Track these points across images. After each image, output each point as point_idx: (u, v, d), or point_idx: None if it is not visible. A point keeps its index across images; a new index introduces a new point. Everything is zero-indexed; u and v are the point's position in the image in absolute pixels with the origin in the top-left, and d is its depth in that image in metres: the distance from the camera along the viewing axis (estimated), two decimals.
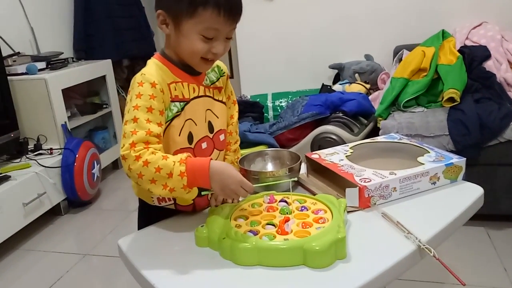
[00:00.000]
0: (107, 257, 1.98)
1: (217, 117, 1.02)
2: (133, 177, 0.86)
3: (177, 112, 0.93)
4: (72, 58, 2.94)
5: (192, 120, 0.96)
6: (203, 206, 1.04)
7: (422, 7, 2.71)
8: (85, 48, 3.14)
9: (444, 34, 2.34)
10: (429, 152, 1.14)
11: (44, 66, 2.57)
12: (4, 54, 2.34)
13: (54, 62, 2.64)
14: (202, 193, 0.91)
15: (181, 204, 1.01)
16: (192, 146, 0.96)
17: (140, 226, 1.05)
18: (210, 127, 1.00)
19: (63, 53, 2.84)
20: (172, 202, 1.01)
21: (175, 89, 0.93)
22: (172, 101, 0.93)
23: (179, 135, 0.94)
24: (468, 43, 2.37)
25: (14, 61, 2.45)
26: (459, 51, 2.21)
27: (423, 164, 1.07)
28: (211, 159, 0.87)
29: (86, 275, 1.88)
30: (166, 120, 0.92)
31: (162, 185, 0.84)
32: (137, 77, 0.91)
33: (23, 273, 1.91)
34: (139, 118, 0.86)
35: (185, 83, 0.95)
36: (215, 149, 1.02)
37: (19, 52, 2.56)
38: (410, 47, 2.43)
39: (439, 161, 1.08)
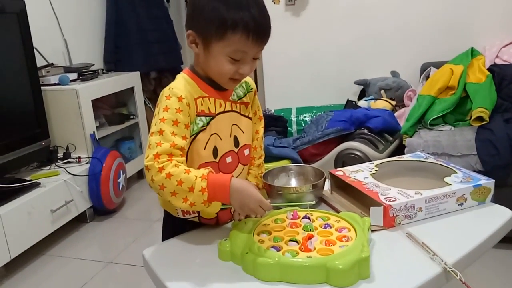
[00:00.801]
0: (130, 265, 2.01)
1: (243, 132, 1.03)
2: (155, 188, 0.88)
3: (202, 126, 0.95)
4: (102, 69, 3.03)
5: (218, 135, 0.97)
6: (226, 220, 1.05)
7: (451, 24, 2.68)
8: (115, 60, 3.23)
9: (473, 52, 2.30)
10: (456, 173, 1.12)
11: (76, 77, 2.65)
12: (38, 65, 2.43)
13: (85, 74, 2.72)
14: (221, 206, 0.92)
15: (204, 217, 1.02)
16: (217, 160, 0.98)
17: (164, 237, 1.07)
18: (236, 142, 1.02)
19: (93, 64, 2.93)
20: (196, 215, 1.02)
21: (202, 104, 0.95)
22: (198, 115, 0.95)
23: (204, 149, 0.96)
24: (498, 61, 2.33)
25: (48, 72, 2.55)
26: (488, 69, 2.18)
27: (450, 184, 1.06)
28: (232, 176, 0.88)
29: (108, 283, 1.90)
30: (192, 134, 0.94)
31: (183, 198, 0.86)
32: (165, 91, 0.93)
33: (49, 278, 1.96)
34: (165, 130, 0.88)
35: (211, 98, 0.97)
36: (239, 164, 1.03)
37: (52, 63, 2.66)
38: (437, 65, 2.40)
39: (467, 182, 1.06)
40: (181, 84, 0.95)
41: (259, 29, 0.89)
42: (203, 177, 0.86)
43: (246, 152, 1.05)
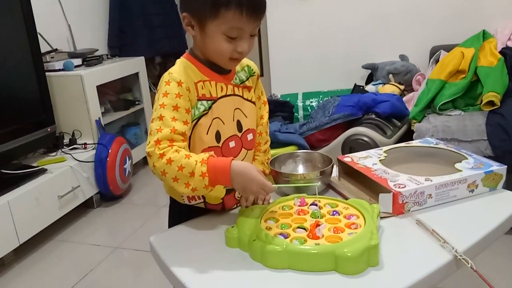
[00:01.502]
0: (137, 251, 2.02)
1: (246, 116, 1.02)
2: (158, 174, 0.87)
3: (204, 110, 0.94)
4: (107, 55, 3.00)
5: (220, 119, 0.96)
6: (232, 205, 1.05)
7: (461, 6, 2.62)
8: (119, 45, 3.20)
9: (484, 35, 2.26)
10: (467, 159, 1.10)
11: (80, 63, 2.64)
12: (42, 50, 2.41)
13: (89, 59, 2.70)
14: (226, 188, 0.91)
15: (210, 203, 1.02)
16: (220, 145, 0.97)
17: (171, 224, 1.07)
18: (239, 126, 1.00)
19: (98, 50, 2.90)
20: (202, 200, 1.01)
21: (202, 88, 0.94)
22: (199, 99, 0.93)
23: (207, 134, 0.94)
24: (510, 44, 2.28)
25: (52, 57, 2.53)
26: (500, 52, 2.13)
27: (461, 170, 1.03)
28: (233, 159, 0.87)
29: (116, 268, 1.92)
30: (193, 118, 0.93)
31: (185, 183, 0.86)
32: (165, 76, 0.92)
33: (57, 263, 1.98)
34: (165, 116, 0.88)
35: (212, 81, 0.96)
36: (243, 148, 1.02)
37: (56, 49, 2.64)
38: (447, 48, 2.36)
39: (478, 168, 1.04)
40: (180, 69, 0.94)
41: (253, 4, 0.87)
42: (203, 161, 0.85)
43: (250, 136, 1.03)
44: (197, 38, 0.94)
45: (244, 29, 0.89)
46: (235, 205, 1.05)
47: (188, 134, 0.91)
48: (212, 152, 0.88)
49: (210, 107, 0.94)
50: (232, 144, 0.98)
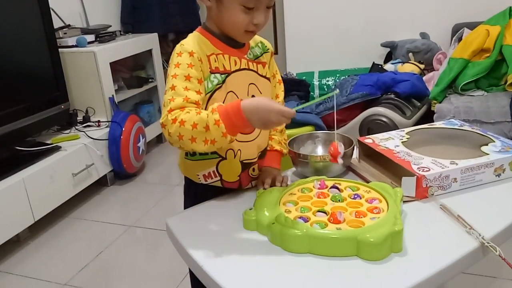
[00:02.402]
0: (151, 229, 2.02)
1: (261, 92, 0.99)
2: (175, 141, 0.84)
3: (218, 84, 0.92)
4: (120, 31, 2.97)
5: (234, 93, 0.94)
6: (248, 183, 1.03)
7: None
8: (132, 22, 3.16)
9: (511, 12, 2.16)
10: (494, 141, 1.06)
11: (93, 39, 2.61)
12: (55, 26, 2.38)
13: (102, 35, 2.67)
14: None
15: (227, 180, 1.00)
16: None
17: (187, 205, 1.05)
18: None
19: (111, 26, 2.87)
20: (218, 178, 0.99)
21: (215, 61, 0.92)
22: (212, 72, 0.91)
23: None
24: None
25: (65, 33, 2.50)
26: None
27: (488, 154, 0.99)
28: (241, 100, 0.83)
29: (130, 246, 1.93)
30: (207, 91, 0.91)
31: (203, 140, 0.82)
32: (177, 48, 0.91)
33: (72, 241, 1.99)
34: (177, 86, 0.86)
35: (226, 55, 0.94)
36: None
37: (69, 25, 2.61)
38: (471, 26, 2.27)
39: (506, 152, 0.99)
40: (193, 41, 0.92)
41: None
42: (213, 110, 0.82)
43: None
44: (212, 9, 0.91)
45: (261, 0, 0.86)
46: (250, 183, 1.03)
47: (202, 104, 0.89)
48: (220, 103, 0.84)
49: (224, 81, 0.92)
50: None
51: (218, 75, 0.92)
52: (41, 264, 1.82)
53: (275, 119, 0.81)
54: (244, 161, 0.99)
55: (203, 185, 1.00)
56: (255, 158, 1.01)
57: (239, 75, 0.95)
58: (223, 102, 0.91)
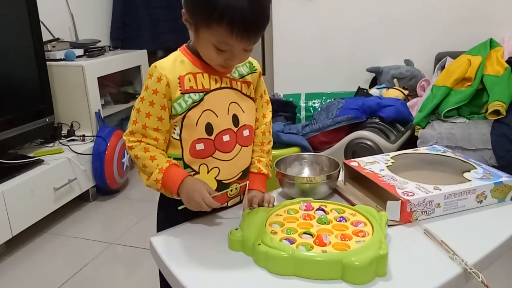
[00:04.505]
0: (133, 247, 1.99)
1: (243, 112, 0.99)
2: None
3: (193, 102, 0.92)
4: (109, 46, 2.97)
5: (212, 111, 0.94)
6: (224, 202, 1.01)
7: (469, 13, 2.61)
8: (122, 38, 3.16)
9: (491, 43, 2.24)
10: (476, 168, 1.08)
11: (82, 53, 2.60)
12: (44, 39, 2.37)
13: (91, 50, 2.66)
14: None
15: None
16: (212, 137, 0.95)
17: (159, 219, 1.06)
18: (235, 121, 0.97)
19: (100, 41, 2.87)
20: None
21: (189, 80, 0.93)
22: (185, 92, 0.92)
23: (196, 125, 0.93)
24: None
25: (54, 46, 2.49)
26: (507, 61, 2.12)
27: (470, 180, 1.01)
28: (189, 175, 0.93)
29: (110, 264, 1.89)
30: (182, 111, 0.92)
31: (145, 178, 0.96)
32: (150, 68, 0.93)
33: (50, 257, 1.94)
34: (141, 111, 0.93)
35: (205, 74, 0.94)
36: (237, 144, 0.99)
37: (58, 38, 2.60)
38: (453, 55, 2.34)
39: (487, 179, 1.02)
40: (168, 62, 0.94)
41: (245, 27, 0.83)
42: (161, 170, 0.93)
43: (246, 133, 1.00)
44: (193, 35, 0.93)
45: (235, 46, 0.87)
46: (226, 203, 1.02)
47: (163, 129, 0.94)
48: (176, 162, 0.94)
49: (202, 99, 0.93)
50: (226, 138, 0.96)
51: (193, 94, 0.92)
52: (17, 281, 1.77)
53: (197, 198, 0.90)
54: (223, 181, 0.98)
55: (176, 200, 0.99)
56: (235, 177, 1.00)
57: (219, 94, 0.95)
58: (198, 120, 0.93)
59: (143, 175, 0.96)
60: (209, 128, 0.94)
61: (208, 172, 0.97)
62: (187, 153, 0.95)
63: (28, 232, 2.01)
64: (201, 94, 0.93)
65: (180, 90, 0.92)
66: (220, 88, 0.96)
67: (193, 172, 0.96)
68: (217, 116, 0.94)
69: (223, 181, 0.99)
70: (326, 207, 0.94)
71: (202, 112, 0.93)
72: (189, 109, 0.92)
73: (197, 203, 0.90)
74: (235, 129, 0.97)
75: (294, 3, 2.88)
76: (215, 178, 0.97)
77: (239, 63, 0.95)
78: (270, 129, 1.10)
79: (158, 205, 1.08)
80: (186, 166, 0.96)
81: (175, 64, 0.93)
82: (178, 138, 0.95)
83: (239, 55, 0.90)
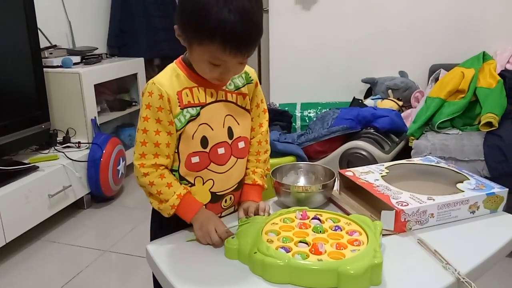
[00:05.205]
0: (127, 255, 1.98)
1: (238, 124, 0.99)
2: (139, 184, 0.96)
3: (191, 117, 0.93)
4: (106, 54, 2.98)
5: (208, 125, 0.94)
6: (218, 213, 1.02)
7: (462, 26, 2.65)
8: (119, 45, 3.18)
9: (484, 56, 2.27)
10: (469, 179, 1.10)
11: (79, 61, 2.61)
12: (41, 46, 2.38)
13: (88, 57, 2.68)
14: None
15: None
16: (207, 150, 0.95)
17: (152, 228, 1.06)
18: (230, 133, 0.98)
19: (97, 48, 2.88)
20: None
21: (187, 95, 0.93)
22: (184, 108, 0.92)
23: (192, 139, 0.94)
24: (509, 67, 2.31)
25: (51, 53, 2.50)
26: (499, 74, 2.15)
27: (463, 191, 1.03)
28: (204, 206, 0.96)
29: (104, 272, 1.88)
30: (182, 126, 0.92)
31: (158, 202, 0.95)
32: (149, 85, 0.92)
33: (44, 264, 1.93)
34: (149, 129, 0.91)
35: (201, 88, 0.94)
36: (232, 156, 0.99)
37: (55, 45, 2.61)
38: (447, 67, 2.37)
39: (480, 190, 1.03)
40: (165, 77, 0.93)
41: (238, 43, 0.83)
42: (179, 196, 0.93)
43: (241, 145, 1.01)
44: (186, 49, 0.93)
45: (228, 62, 0.87)
46: (219, 214, 1.03)
47: (173, 143, 0.93)
48: (188, 190, 0.95)
49: (198, 113, 0.93)
50: (221, 150, 0.97)
51: (190, 109, 0.93)
52: None
53: (210, 227, 0.91)
54: (217, 193, 0.99)
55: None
56: (229, 189, 1.01)
57: (215, 107, 0.96)
58: (194, 133, 0.93)
59: (154, 200, 0.96)
60: (204, 141, 0.95)
61: (203, 184, 0.97)
62: (183, 166, 0.96)
63: (22, 239, 2.00)
64: (197, 108, 0.93)
65: (179, 105, 0.92)
66: (216, 101, 0.96)
67: (189, 184, 0.97)
68: (213, 129, 0.95)
69: (217, 193, 1.00)
70: (321, 216, 0.95)
71: (199, 126, 0.94)
72: (187, 123, 0.93)
73: (208, 231, 0.90)
74: (230, 142, 0.98)
75: (290, 13, 2.92)
76: (209, 190, 0.98)
77: (235, 76, 0.95)
78: (267, 138, 1.10)
79: (151, 213, 1.07)
80: (181, 178, 0.97)
81: (172, 79, 0.93)
82: (176, 151, 0.95)
83: (233, 69, 0.90)
